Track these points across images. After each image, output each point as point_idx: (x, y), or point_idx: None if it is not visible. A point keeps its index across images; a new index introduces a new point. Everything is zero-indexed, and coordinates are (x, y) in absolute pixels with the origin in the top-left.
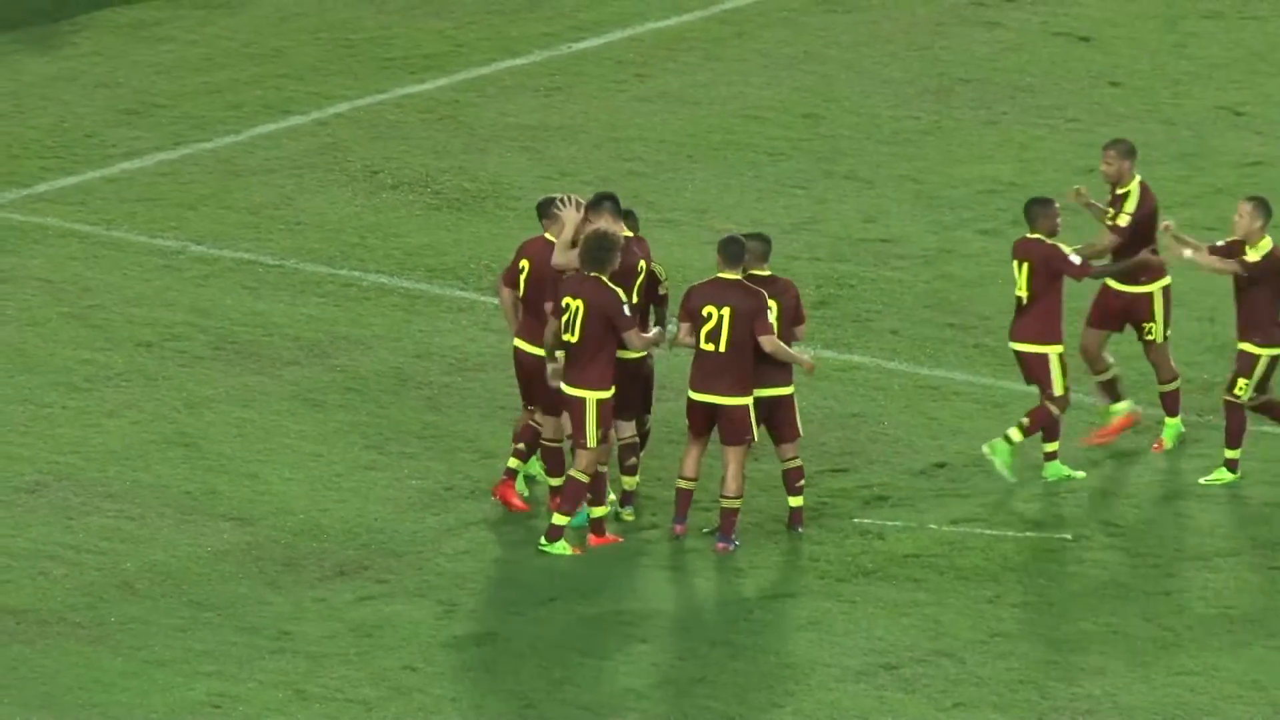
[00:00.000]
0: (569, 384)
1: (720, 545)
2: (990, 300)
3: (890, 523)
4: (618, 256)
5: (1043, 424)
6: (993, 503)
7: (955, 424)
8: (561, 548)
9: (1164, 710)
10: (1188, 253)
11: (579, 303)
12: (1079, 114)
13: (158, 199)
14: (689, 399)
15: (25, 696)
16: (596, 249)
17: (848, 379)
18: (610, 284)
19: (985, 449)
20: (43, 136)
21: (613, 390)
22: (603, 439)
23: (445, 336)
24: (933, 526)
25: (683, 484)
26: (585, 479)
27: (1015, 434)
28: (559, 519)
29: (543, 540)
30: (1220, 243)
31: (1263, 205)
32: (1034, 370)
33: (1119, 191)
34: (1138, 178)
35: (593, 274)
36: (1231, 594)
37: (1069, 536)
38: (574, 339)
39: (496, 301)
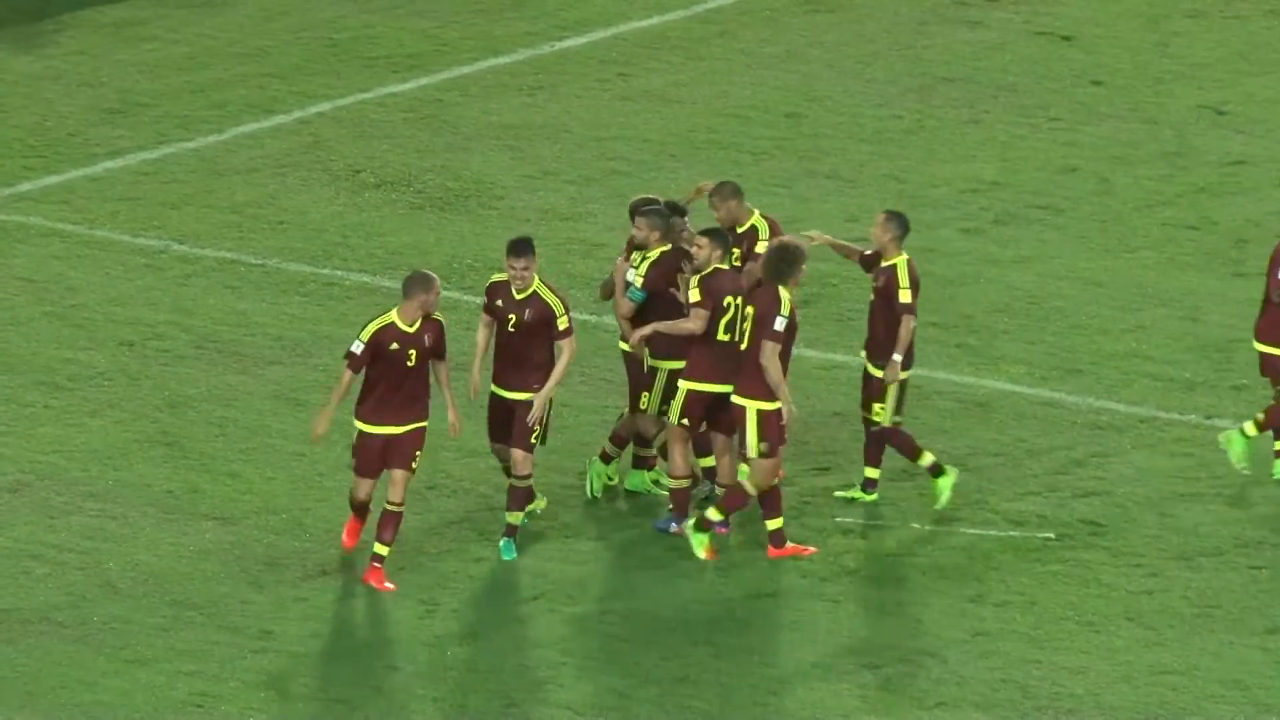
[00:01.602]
0: (736, 393)
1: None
2: (972, 299)
3: (872, 522)
4: (801, 270)
5: (1276, 422)
6: (975, 501)
7: (937, 423)
8: (699, 542)
9: (1146, 710)
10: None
11: (752, 309)
12: (1061, 113)
13: (140, 198)
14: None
15: (7, 696)
16: (779, 260)
17: (830, 378)
18: (781, 295)
19: (1220, 439)
20: (25, 135)
21: (777, 403)
22: (768, 452)
23: None
24: (915, 526)
25: (685, 483)
26: (753, 490)
27: (1250, 428)
28: (714, 514)
29: (690, 526)
30: (868, 251)
31: (896, 218)
32: (1271, 369)
33: None
34: None
35: (773, 283)
36: (1214, 593)
37: (1051, 535)
38: (744, 345)
39: (479, 300)
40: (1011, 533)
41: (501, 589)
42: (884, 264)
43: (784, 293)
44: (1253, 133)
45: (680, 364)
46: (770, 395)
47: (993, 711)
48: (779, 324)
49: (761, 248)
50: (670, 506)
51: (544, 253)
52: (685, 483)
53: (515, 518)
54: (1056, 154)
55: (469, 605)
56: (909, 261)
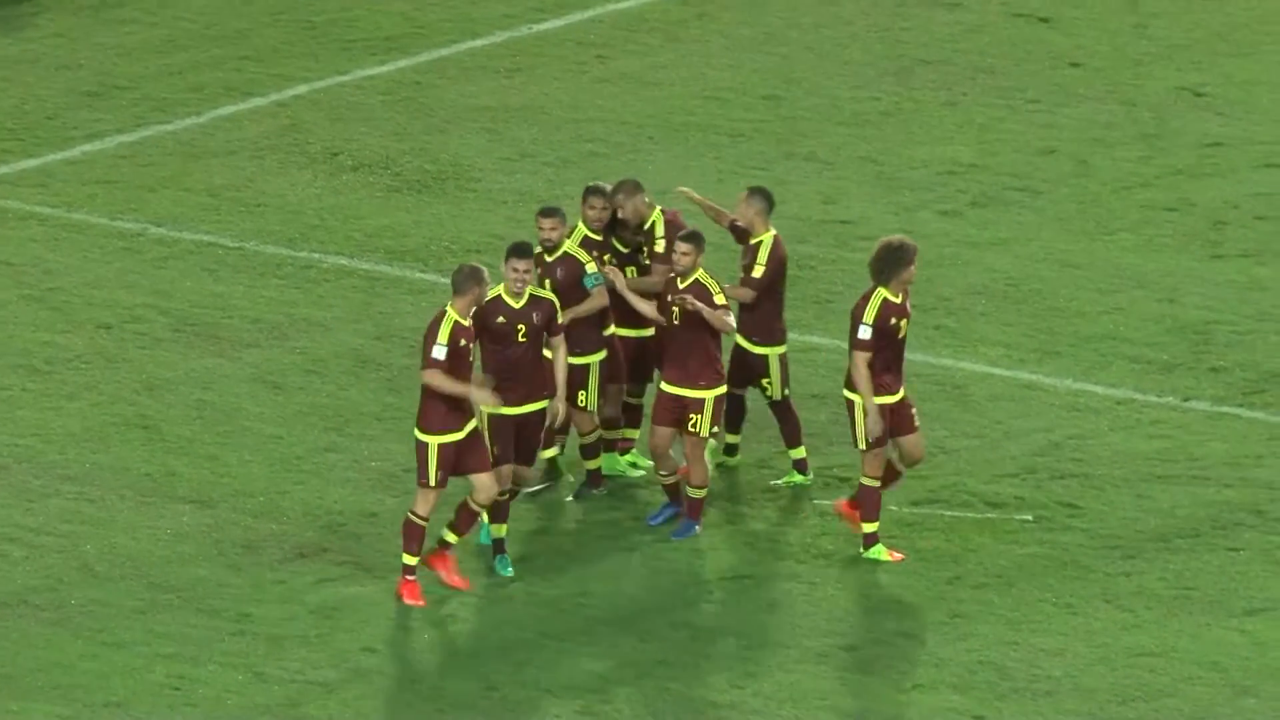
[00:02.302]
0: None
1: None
2: (950, 282)
3: None
4: (907, 270)
5: None
6: (953, 484)
7: (916, 405)
8: (879, 552)
9: (1124, 691)
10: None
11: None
12: (1039, 95)
13: (118, 181)
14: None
15: None
16: (883, 258)
17: (808, 360)
18: (872, 299)
19: None
20: (3, 119)
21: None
22: (875, 444)
23: (405, 318)
24: (893, 508)
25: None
26: (874, 483)
27: None
28: (868, 526)
29: (862, 549)
30: (741, 223)
31: (759, 194)
32: None
33: None
34: None
35: (874, 283)
36: (1191, 575)
37: (1029, 517)
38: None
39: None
40: (989, 515)
41: (480, 572)
42: (751, 241)
43: (877, 296)
44: (1231, 114)
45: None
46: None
47: (970, 693)
48: (863, 333)
49: (660, 245)
50: (677, 508)
51: (522, 236)
52: (704, 491)
53: (501, 530)
54: (1034, 136)
55: (448, 588)
56: (775, 239)
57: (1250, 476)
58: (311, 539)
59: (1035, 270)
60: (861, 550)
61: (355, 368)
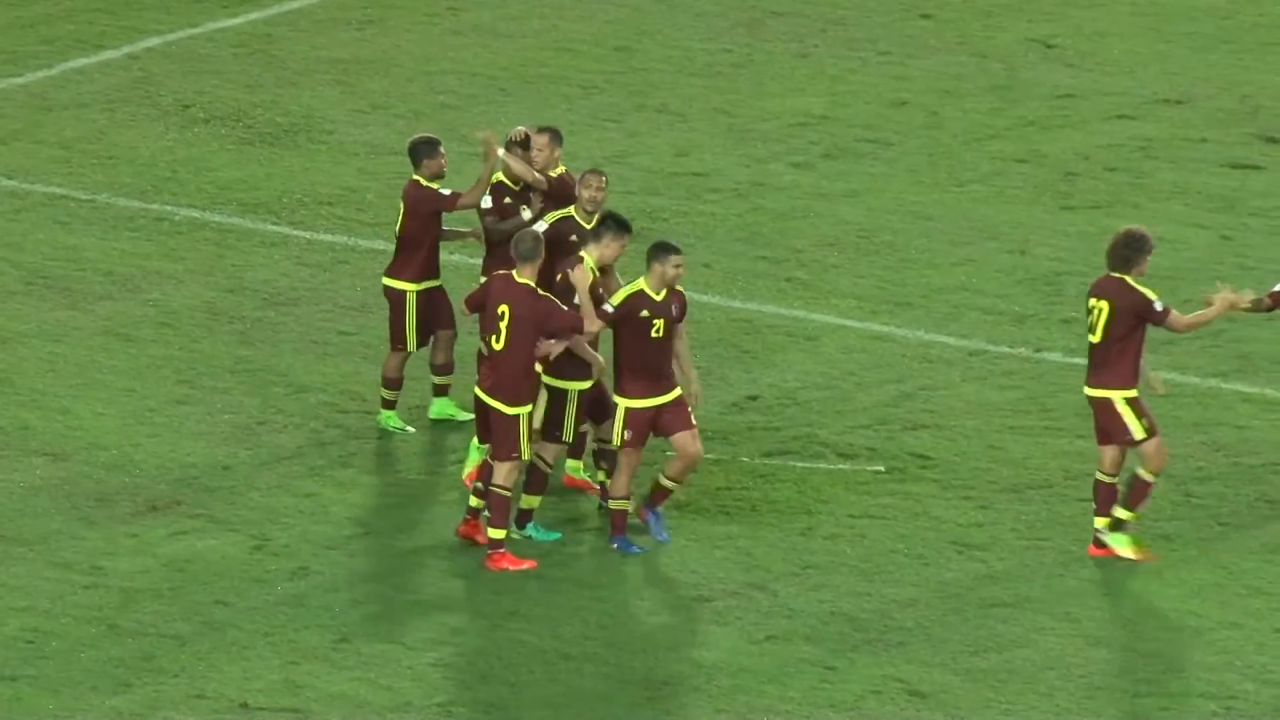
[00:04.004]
0: (1091, 385)
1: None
2: (802, 233)
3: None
4: (1144, 258)
5: None
6: (805, 435)
7: (767, 357)
8: (1120, 541)
9: (977, 642)
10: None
11: (1104, 304)
12: (890, 46)
13: None
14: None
15: None
16: (1124, 246)
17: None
18: (1134, 285)
19: None
20: None
21: (1137, 390)
22: (1151, 432)
23: (258, 271)
24: (745, 459)
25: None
26: (1152, 478)
27: None
28: (1124, 513)
29: (1110, 538)
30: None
31: (553, 134)
32: None
33: None
34: None
35: (1116, 274)
36: (1044, 526)
37: (881, 468)
38: (1096, 339)
39: (309, 235)
40: (841, 466)
41: (331, 525)
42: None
43: (1141, 283)
44: (1081, 66)
45: None
46: (1131, 381)
47: (822, 644)
48: (1159, 305)
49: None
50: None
51: (374, 188)
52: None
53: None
54: (886, 88)
55: (299, 541)
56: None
57: None
58: (164, 492)
59: (887, 222)
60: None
61: (208, 320)
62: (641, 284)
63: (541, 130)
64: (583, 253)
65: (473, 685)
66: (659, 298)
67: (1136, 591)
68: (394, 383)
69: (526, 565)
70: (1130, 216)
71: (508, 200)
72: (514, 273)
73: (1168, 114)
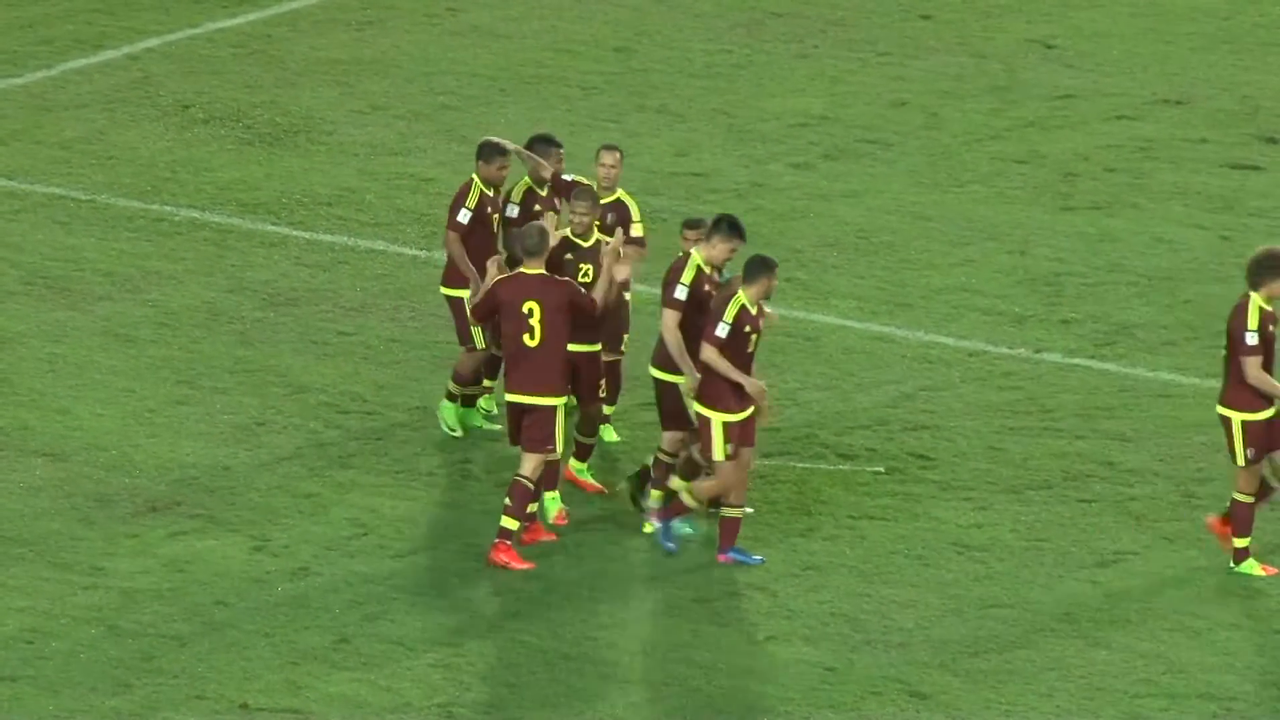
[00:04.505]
0: (1219, 402)
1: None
2: (802, 234)
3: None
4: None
5: None
6: (805, 436)
7: (767, 358)
8: (1251, 567)
9: (977, 643)
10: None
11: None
12: (890, 47)
13: None
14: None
15: None
16: (1260, 263)
17: (659, 314)
18: (1247, 307)
19: None
20: None
21: (1261, 413)
22: (1253, 459)
23: (257, 271)
24: None
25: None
26: (1248, 499)
27: None
28: (1240, 542)
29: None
30: (570, 178)
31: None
32: None
33: None
34: None
35: (1249, 292)
36: (1043, 526)
37: (881, 469)
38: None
39: (309, 236)
40: (841, 466)
41: (331, 525)
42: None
43: (1254, 304)
44: (1081, 66)
45: None
46: (1255, 405)
47: (822, 645)
48: (1250, 341)
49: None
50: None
51: (374, 188)
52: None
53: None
54: (885, 88)
55: (299, 541)
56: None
57: (1101, 428)
58: (164, 492)
59: (886, 222)
60: (1231, 565)
61: (207, 321)
62: (743, 298)
63: (609, 147)
64: (691, 249)
65: (473, 685)
66: (756, 311)
67: (1136, 592)
68: (464, 379)
69: (526, 566)
70: (1130, 217)
71: (537, 207)
72: (523, 270)
73: (1167, 114)
